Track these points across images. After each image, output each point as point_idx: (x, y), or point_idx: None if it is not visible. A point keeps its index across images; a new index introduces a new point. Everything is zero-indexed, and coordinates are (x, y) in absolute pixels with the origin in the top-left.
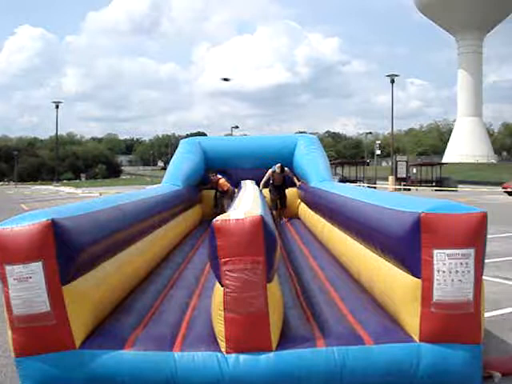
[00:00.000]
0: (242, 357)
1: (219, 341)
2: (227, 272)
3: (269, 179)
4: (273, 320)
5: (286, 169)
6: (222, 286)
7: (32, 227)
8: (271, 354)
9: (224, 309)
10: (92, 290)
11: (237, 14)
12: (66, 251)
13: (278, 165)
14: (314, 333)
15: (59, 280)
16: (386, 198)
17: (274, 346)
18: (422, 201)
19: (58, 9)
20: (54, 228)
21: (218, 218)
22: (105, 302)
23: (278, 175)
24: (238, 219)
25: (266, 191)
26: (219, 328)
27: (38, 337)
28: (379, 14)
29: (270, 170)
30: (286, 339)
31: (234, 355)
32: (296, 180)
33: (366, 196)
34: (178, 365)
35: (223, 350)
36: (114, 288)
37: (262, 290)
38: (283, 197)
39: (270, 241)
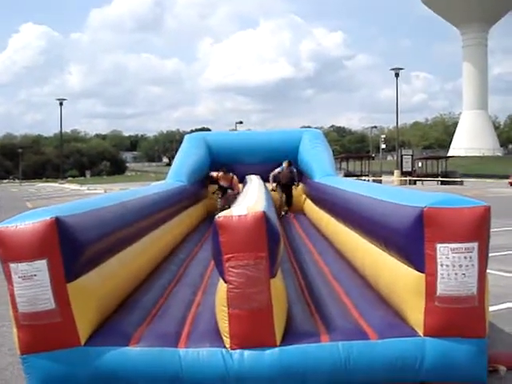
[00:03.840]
0: (247, 352)
1: (223, 337)
2: (230, 268)
3: (275, 177)
4: (277, 315)
5: (294, 170)
6: (226, 282)
7: (36, 225)
8: (276, 350)
9: (228, 305)
10: (97, 287)
11: (240, 9)
12: (71, 248)
13: (286, 161)
14: (318, 328)
15: (64, 277)
16: (390, 192)
17: (279, 341)
18: (425, 195)
19: (61, 6)
20: (58, 226)
21: (221, 214)
22: (109, 299)
23: (286, 173)
24: (240, 215)
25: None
26: (223, 324)
27: (44, 334)
28: (383, 7)
29: (276, 170)
30: (291, 334)
31: (238, 351)
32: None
33: (369, 190)
34: (183, 361)
35: (228, 346)
36: (118, 284)
37: (265, 286)
38: (289, 197)
39: (272, 236)
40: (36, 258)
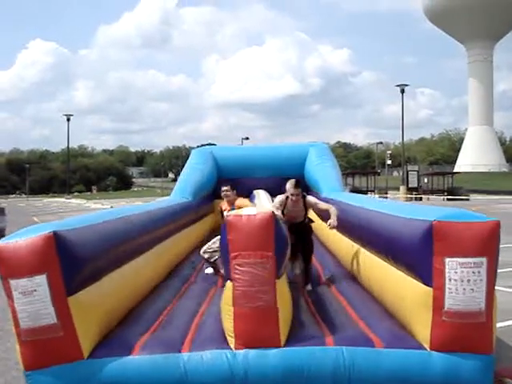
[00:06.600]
0: (251, 352)
1: (228, 337)
2: (236, 266)
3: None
4: (282, 316)
5: (308, 198)
6: (232, 280)
7: (34, 240)
8: (280, 350)
9: (233, 303)
10: (98, 301)
11: (246, 27)
12: (70, 263)
13: (292, 182)
14: (323, 331)
15: (64, 291)
16: (398, 206)
17: (283, 341)
18: (434, 209)
19: (69, 23)
20: (57, 240)
21: (231, 213)
22: (111, 312)
23: (296, 203)
24: (249, 215)
25: None
26: (228, 323)
27: (46, 349)
28: (388, 25)
29: (278, 198)
30: (296, 336)
31: (243, 351)
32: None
33: (376, 205)
34: (187, 365)
35: (232, 346)
36: (120, 298)
37: (270, 285)
38: (307, 245)
39: (280, 238)
40: (35, 273)
